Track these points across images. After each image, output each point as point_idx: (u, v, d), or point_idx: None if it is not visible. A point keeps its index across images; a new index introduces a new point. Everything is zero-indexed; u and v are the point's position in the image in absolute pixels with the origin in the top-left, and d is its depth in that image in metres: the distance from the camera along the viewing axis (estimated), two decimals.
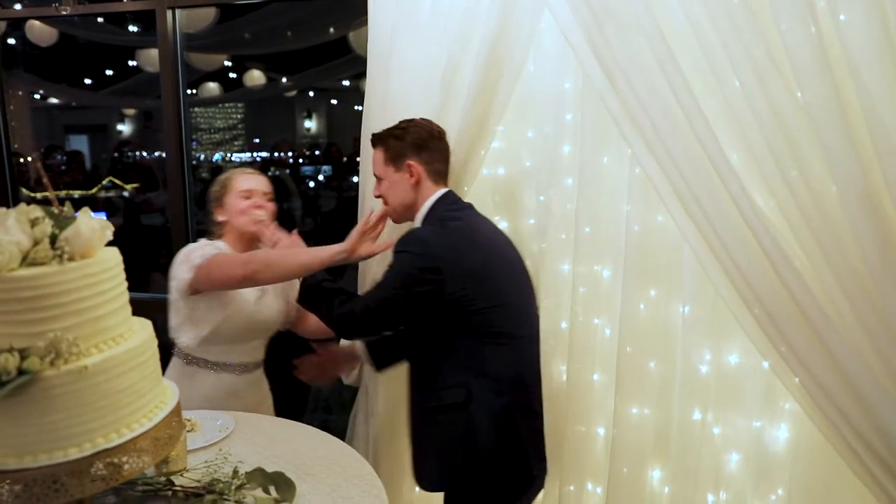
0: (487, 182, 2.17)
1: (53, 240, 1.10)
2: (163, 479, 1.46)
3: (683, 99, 1.42)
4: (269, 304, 2.08)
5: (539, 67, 2.02)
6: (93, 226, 1.14)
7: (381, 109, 2.04)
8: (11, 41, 4.33)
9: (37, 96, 5.38)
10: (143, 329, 1.25)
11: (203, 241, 2.05)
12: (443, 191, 1.83)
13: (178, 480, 1.46)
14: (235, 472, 1.46)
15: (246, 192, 2.02)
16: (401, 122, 1.84)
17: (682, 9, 1.43)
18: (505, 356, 1.73)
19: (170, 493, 1.43)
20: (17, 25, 4.39)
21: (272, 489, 1.41)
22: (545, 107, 2.03)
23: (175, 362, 2.04)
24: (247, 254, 1.96)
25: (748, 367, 1.75)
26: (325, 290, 1.82)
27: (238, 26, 5.06)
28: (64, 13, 2.80)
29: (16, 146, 4.71)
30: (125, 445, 1.13)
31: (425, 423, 1.81)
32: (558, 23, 1.65)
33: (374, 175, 1.86)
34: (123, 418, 1.15)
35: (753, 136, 1.39)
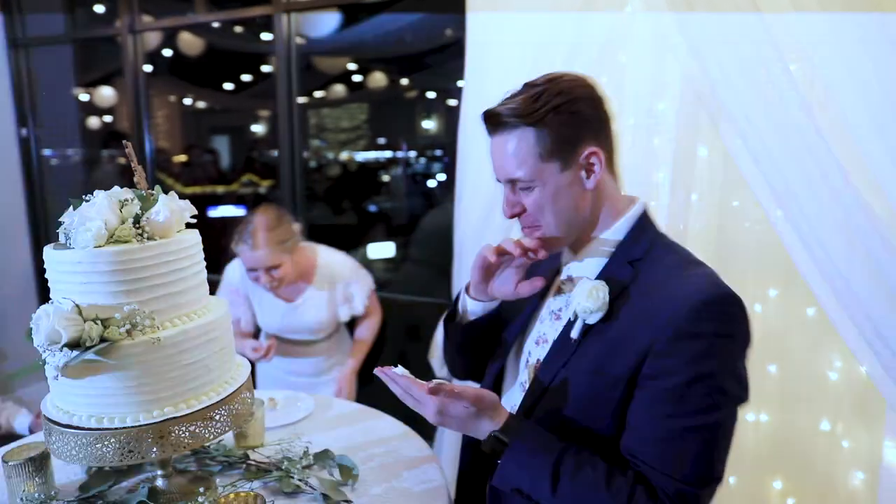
0: None
1: (137, 220, 1.19)
2: (240, 452, 1.55)
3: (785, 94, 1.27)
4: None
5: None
6: (172, 208, 1.23)
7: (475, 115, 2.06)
8: (168, 52, 4.86)
9: (187, 101, 5.99)
10: (218, 308, 1.32)
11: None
12: (639, 203, 1.12)
13: (253, 455, 1.54)
14: (306, 452, 1.51)
15: (250, 269, 2.18)
16: (546, 85, 1.04)
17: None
18: None
19: (244, 466, 1.50)
20: (170, 37, 4.90)
21: (335, 471, 1.44)
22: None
23: None
24: None
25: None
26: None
27: (360, 30, 5.29)
28: (192, 21, 3.06)
29: (167, 146, 5.32)
30: (194, 415, 1.21)
31: None
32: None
33: (509, 181, 1.09)
34: (193, 390, 1.23)
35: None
